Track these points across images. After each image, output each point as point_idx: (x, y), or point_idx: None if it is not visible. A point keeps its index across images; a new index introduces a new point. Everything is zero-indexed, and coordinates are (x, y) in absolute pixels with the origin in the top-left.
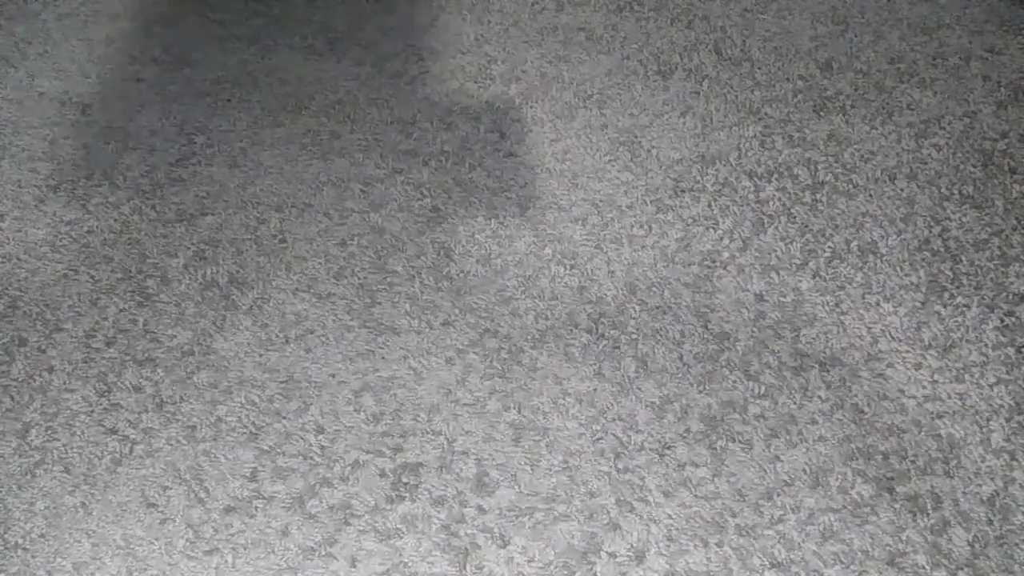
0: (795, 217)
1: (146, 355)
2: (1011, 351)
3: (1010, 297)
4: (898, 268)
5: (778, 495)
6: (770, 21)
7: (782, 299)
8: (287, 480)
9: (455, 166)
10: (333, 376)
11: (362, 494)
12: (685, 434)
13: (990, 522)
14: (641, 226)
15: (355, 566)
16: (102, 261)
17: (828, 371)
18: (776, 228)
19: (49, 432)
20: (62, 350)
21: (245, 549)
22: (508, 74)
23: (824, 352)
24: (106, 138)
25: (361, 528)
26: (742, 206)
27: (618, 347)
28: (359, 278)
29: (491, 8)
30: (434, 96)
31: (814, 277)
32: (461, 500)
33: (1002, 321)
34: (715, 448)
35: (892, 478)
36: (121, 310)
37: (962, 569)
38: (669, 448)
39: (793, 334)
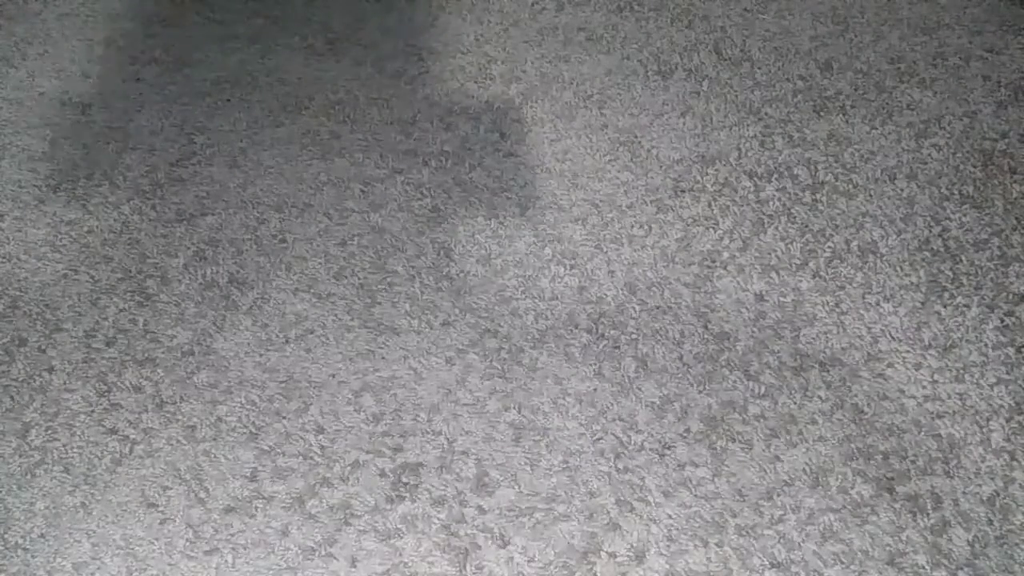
0: (795, 217)
1: (146, 355)
2: (1011, 351)
3: (1010, 297)
4: (898, 268)
5: (778, 495)
6: (770, 21)
7: (782, 299)
8: (287, 480)
9: (455, 166)
10: (333, 376)
11: (362, 494)
12: (685, 434)
13: (990, 522)
14: (641, 226)
15: (355, 566)
16: (102, 261)
17: (828, 371)
18: (776, 228)
19: (49, 432)
20: (62, 350)
21: (245, 549)
22: (508, 74)
23: (824, 352)
24: (106, 138)
25: (361, 528)
26: (742, 206)
27: (618, 347)
28: (359, 278)
29: (491, 8)
30: (434, 96)
31: (814, 277)
32: (461, 500)
33: (1002, 321)
34: (715, 448)
35: (892, 478)
36: (121, 310)
37: (962, 569)
38: (669, 448)
39: (793, 334)
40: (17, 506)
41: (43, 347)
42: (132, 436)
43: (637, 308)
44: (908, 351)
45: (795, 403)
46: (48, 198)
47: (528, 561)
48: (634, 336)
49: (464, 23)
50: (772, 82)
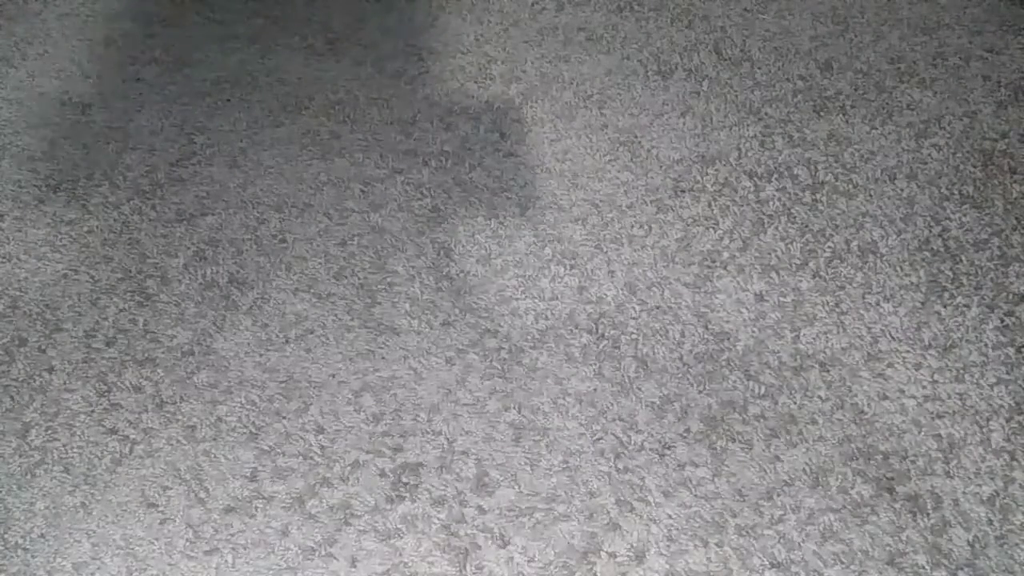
0: (795, 217)
1: (146, 355)
2: (1011, 351)
3: (1010, 297)
4: (898, 268)
5: (778, 495)
6: (770, 21)
7: (782, 299)
8: (287, 480)
9: (455, 166)
10: (333, 376)
11: (362, 494)
12: (685, 434)
13: (990, 522)
14: (641, 226)
15: (355, 566)
16: (102, 261)
17: (828, 371)
18: (776, 228)
19: (49, 432)
20: (62, 350)
21: (245, 549)
22: (508, 74)
23: (824, 352)
24: (106, 138)
25: (361, 528)
26: (742, 206)
27: (618, 347)
28: (359, 278)
29: (491, 8)
30: (434, 96)
31: (814, 277)
32: (461, 500)
33: (1002, 321)
34: (715, 448)
35: (892, 478)
36: (121, 310)
37: (962, 569)
38: (669, 448)
39: (793, 334)
40: (17, 506)
41: (43, 347)
42: (132, 436)
43: (637, 308)
44: (908, 351)
45: (795, 403)
46: (48, 198)
47: (528, 561)
48: (634, 336)
49: (464, 23)
50: (772, 82)
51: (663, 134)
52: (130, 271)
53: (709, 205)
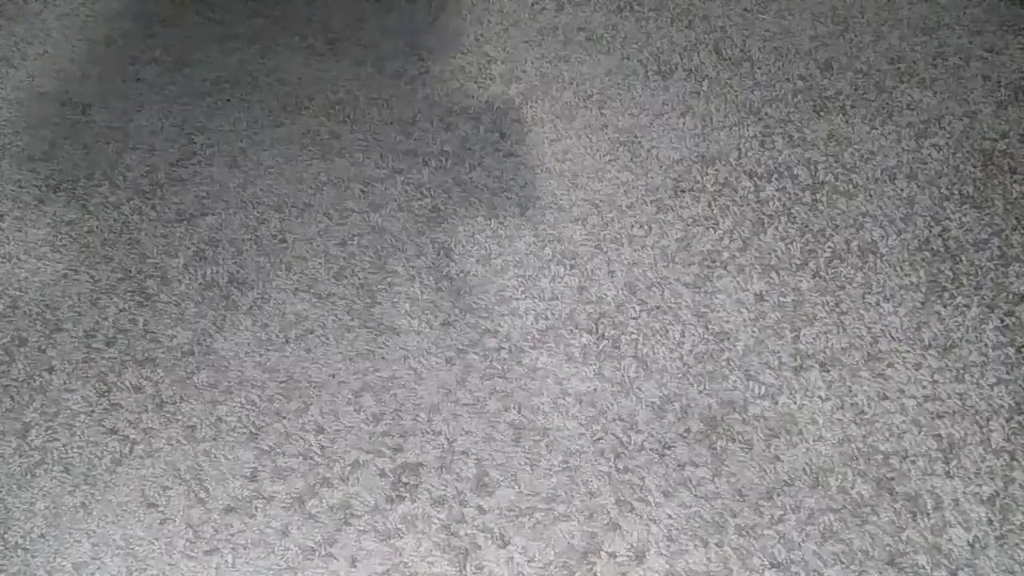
0: (795, 217)
1: (146, 355)
2: (1011, 351)
3: (1010, 297)
4: (898, 268)
5: (778, 495)
6: (770, 21)
7: (782, 299)
8: (287, 480)
9: (455, 166)
10: (333, 376)
11: (362, 494)
12: (685, 434)
13: (990, 522)
14: (641, 226)
15: (355, 566)
16: (102, 261)
17: (828, 371)
18: (776, 228)
19: (49, 432)
20: (62, 350)
21: (245, 549)
22: (508, 74)
23: (824, 352)
24: (106, 138)
25: (361, 528)
26: (742, 206)
27: (618, 347)
28: (359, 278)
29: (491, 8)
30: (434, 96)
31: (814, 277)
32: (461, 500)
33: (1002, 321)
34: (715, 448)
35: (892, 478)
36: (121, 310)
37: (962, 569)
38: (669, 448)
39: (793, 334)
40: (17, 506)
41: (43, 347)
42: (132, 436)
43: (637, 308)
44: (908, 351)
45: (795, 403)
46: (48, 198)
47: (528, 561)
48: (634, 336)
49: (464, 23)
50: (772, 82)
51: (663, 134)
52: (130, 271)
53: (709, 205)
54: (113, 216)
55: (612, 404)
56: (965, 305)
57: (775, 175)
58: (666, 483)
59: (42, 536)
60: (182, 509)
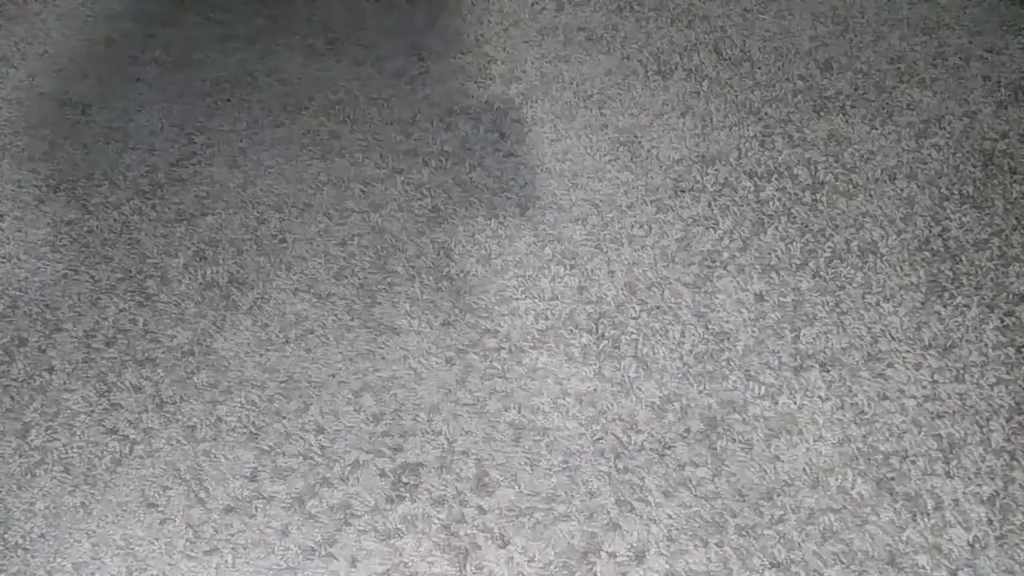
0: (795, 217)
1: (146, 355)
2: (1011, 351)
3: (1010, 297)
4: (898, 268)
5: (778, 495)
6: (770, 21)
7: (782, 299)
8: (287, 480)
9: (455, 166)
10: (333, 376)
11: (362, 494)
12: (685, 434)
13: (990, 522)
14: (641, 226)
15: (355, 566)
16: (102, 261)
17: (828, 371)
18: (776, 228)
19: (49, 432)
20: (62, 350)
21: (245, 549)
22: (508, 74)
23: (824, 352)
24: (106, 138)
25: (361, 528)
26: (742, 206)
27: (618, 347)
28: (359, 278)
29: (491, 8)
30: (434, 96)
31: (814, 277)
32: (461, 500)
33: (1002, 321)
34: (715, 448)
35: (892, 478)
36: (121, 310)
37: (962, 569)
38: (669, 448)
39: (793, 334)
40: (17, 506)
41: (43, 347)
42: (132, 436)
43: (637, 308)
44: (908, 351)
45: (795, 403)
46: (48, 198)
47: (528, 561)
48: (634, 336)
49: (464, 23)
50: (772, 82)
51: (663, 134)
52: (130, 271)
53: (709, 205)
54: (113, 216)
55: (612, 404)
56: (965, 305)
57: (775, 175)
58: (666, 483)
59: (42, 536)
60: (182, 509)
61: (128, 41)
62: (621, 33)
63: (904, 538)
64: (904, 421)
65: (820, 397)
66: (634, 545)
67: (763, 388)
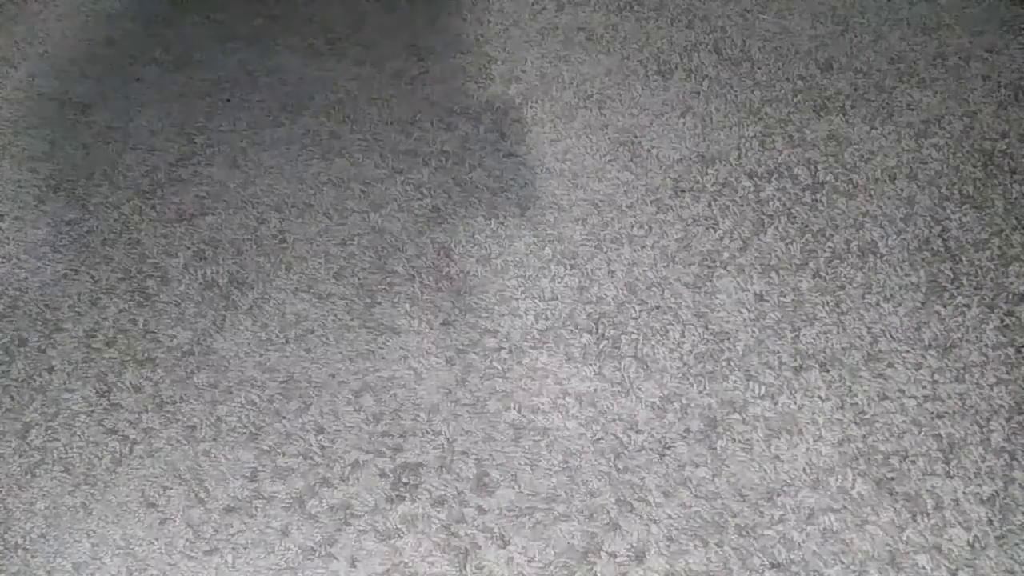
0: (795, 217)
1: (146, 355)
2: (1011, 351)
3: (1010, 297)
4: (898, 268)
5: (778, 495)
6: (770, 21)
7: (782, 299)
8: (287, 480)
9: (455, 166)
10: (333, 376)
11: (362, 494)
12: (685, 434)
13: (990, 522)
14: (641, 226)
15: (355, 566)
16: (102, 261)
17: (828, 371)
18: (776, 228)
19: (49, 432)
20: (62, 350)
21: (245, 549)
22: (508, 74)
23: (824, 352)
24: (106, 138)
25: (361, 528)
26: (742, 206)
27: (618, 347)
28: (359, 278)
29: (491, 8)
30: (434, 96)
31: (814, 277)
32: (461, 500)
33: (1002, 321)
34: (715, 448)
35: (892, 478)
36: (121, 310)
37: (962, 569)
38: (669, 448)
39: (793, 334)
40: (17, 506)
41: (43, 347)
42: (132, 436)
43: (637, 308)
44: (908, 351)
45: (795, 403)
46: (48, 198)
47: (528, 561)
48: (634, 336)
49: (464, 23)
50: (772, 82)
51: (663, 134)
52: (130, 271)
53: (709, 205)
54: (113, 216)
55: (612, 404)
56: (965, 305)
57: (775, 175)
58: (666, 483)
59: (42, 536)
60: (182, 509)
61: (128, 41)
62: (621, 33)
63: (904, 538)
64: (904, 421)
65: (820, 397)
66: (634, 545)
67: (763, 388)
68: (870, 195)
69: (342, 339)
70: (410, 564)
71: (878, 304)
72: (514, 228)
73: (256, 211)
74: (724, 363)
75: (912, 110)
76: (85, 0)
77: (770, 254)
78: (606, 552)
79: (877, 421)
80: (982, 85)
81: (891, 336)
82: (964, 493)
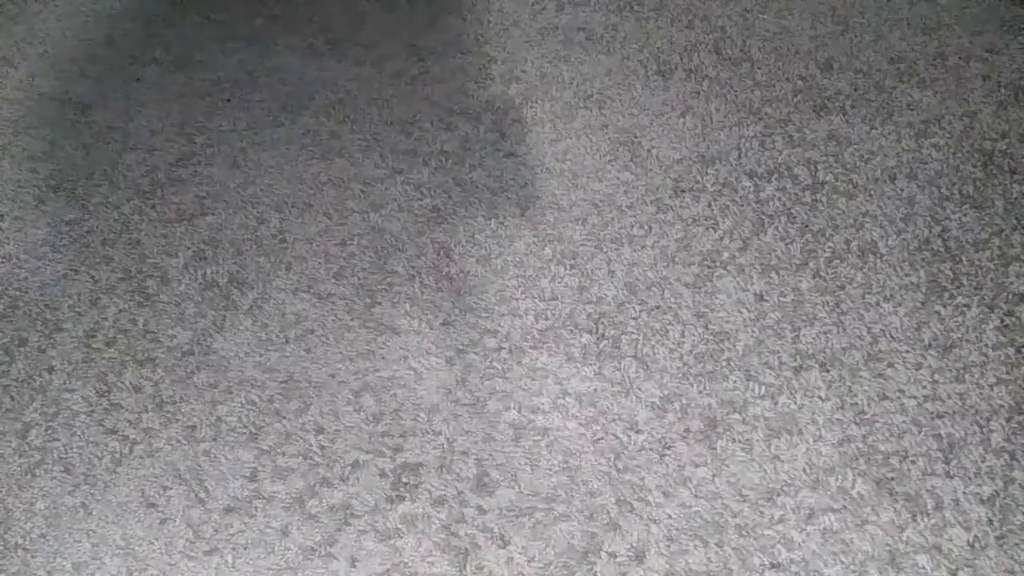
0: (795, 217)
1: (146, 355)
2: (1011, 351)
3: (1010, 297)
4: (898, 268)
5: (778, 495)
6: (770, 21)
7: (782, 299)
8: (287, 480)
9: (455, 166)
10: (333, 376)
11: (362, 494)
12: (685, 434)
13: (990, 522)
14: (641, 226)
15: (355, 566)
16: (102, 261)
17: (828, 371)
18: (776, 228)
19: (49, 432)
20: (62, 350)
21: (245, 549)
22: (508, 74)
23: (824, 352)
24: (106, 138)
25: (361, 528)
26: (742, 206)
27: (618, 347)
28: (359, 278)
29: (491, 8)
30: (434, 96)
31: (814, 277)
32: (461, 500)
33: (1002, 321)
34: (715, 448)
35: (892, 478)
36: (121, 310)
37: (962, 569)
38: (669, 448)
39: (793, 334)
40: (17, 506)
41: (43, 347)
42: (132, 436)
43: (637, 308)
44: (908, 351)
45: (795, 403)
46: (48, 198)
47: (528, 561)
48: (634, 336)
49: (464, 23)
50: (772, 82)
51: (663, 134)
52: (130, 271)
53: (709, 205)
54: (113, 216)
55: (612, 404)
56: (965, 305)
57: (775, 175)
58: (666, 483)
59: (42, 536)
60: (182, 509)
61: (128, 41)
62: (621, 33)
63: (904, 538)
64: (904, 421)
65: (820, 397)
66: (634, 545)
67: (763, 388)
68: (870, 195)
69: (342, 339)
70: (410, 564)
71: (878, 304)
72: (514, 228)
73: (256, 211)
74: (724, 363)
75: (912, 110)
76: (85, 0)
77: (770, 254)
78: (606, 552)
79: (877, 421)
80: (982, 85)
81: (891, 336)
82: (964, 493)
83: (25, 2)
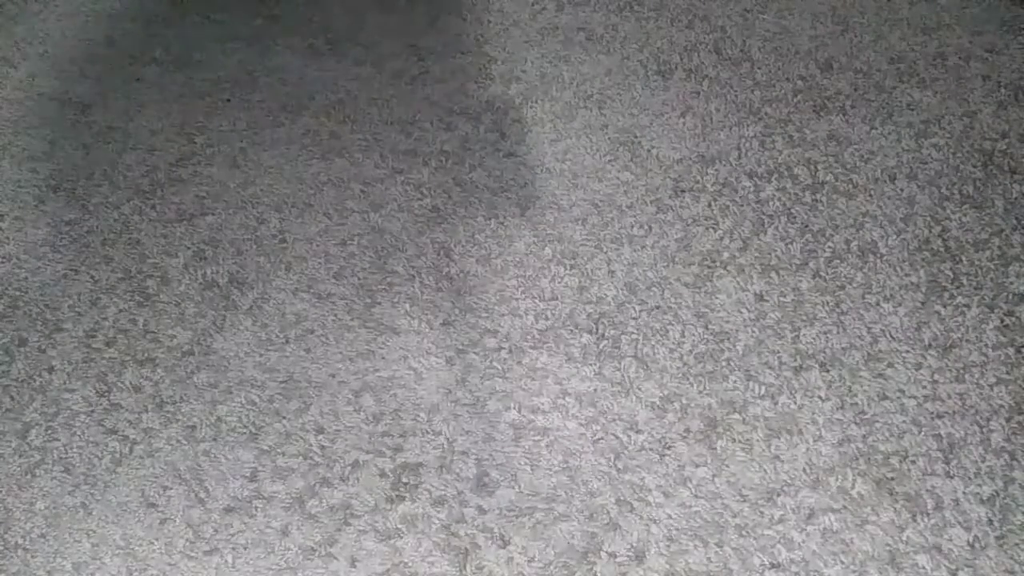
0: (795, 217)
1: (146, 355)
2: (1011, 351)
3: (1010, 297)
4: (898, 268)
5: (778, 495)
6: (770, 21)
7: (782, 299)
8: (287, 480)
9: (455, 166)
10: (333, 376)
11: (362, 494)
12: (685, 434)
13: (990, 522)
14: (641, 226)
15: (355, 566)
16: (102, 261)
17: (828, 371)
18: (776, 228)
19: (49, 432)
20: (62, 350)
21: (245, 549)
22: (508, 74)
23: (824, 352)
24: (106, 138)
25: (361, 528)
26: (742, 206)
27: (618, 347)
28: (359, 278)
29: (491, 8)
30: (434, 96)
31: (814, 277)
32: (461, 500)
33: (1002, 321)
34: (715, 448)
35: (892, 478)
36: (121, 310)
37: (962, 569)
38: (669, 448)
39: (793, 334)
40: (17, 506)
41: (43, 347)
42: (132, 436)
43: (637, 308)
44: (908, 351)
45: (795, 403)
46: (48, 198)
47: (528, 561)
48: (634, 336)
49: (464, 23)
50: (772, 82)
51: (663, 134)
52: (130, 271)
53: (709, 205)
54: (113, 216)
55: (612, 404)
56: (965, 305)
57: (775, 175)
58: (666, 483)
59: (42, 536)
60: (182, 509)
61: (128, 41)
62: (621, 33)
63: (904, 538)
64: (904, 421)
65: (820, 397)
66: (634, 545)
67: (763, 388)
68: (870, 195)
69: (342, 339)
70: (410, 564)
71: (878, 304)
72: (514, 228)
73: (256, 211)
74: (724, 363)
75: (912, 110)
76: (85, 0)
77: (770, 254)
78: (606, 552)
79: (877, 421)
80: (982, 85)
81: (891, 336)
82: (964, 493)
83: (25, 2)
